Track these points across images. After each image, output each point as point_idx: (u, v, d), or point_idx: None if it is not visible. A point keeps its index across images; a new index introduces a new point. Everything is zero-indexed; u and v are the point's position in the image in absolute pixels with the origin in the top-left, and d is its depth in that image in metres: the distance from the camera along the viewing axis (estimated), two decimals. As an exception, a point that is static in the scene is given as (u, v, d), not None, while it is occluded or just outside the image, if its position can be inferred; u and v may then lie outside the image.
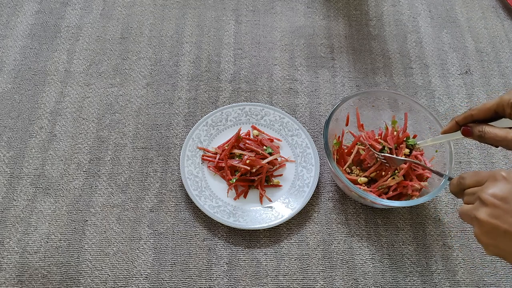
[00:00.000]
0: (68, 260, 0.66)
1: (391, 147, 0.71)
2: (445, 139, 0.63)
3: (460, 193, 0.52)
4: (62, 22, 0.89)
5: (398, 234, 0.71)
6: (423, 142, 0.68)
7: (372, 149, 0.70)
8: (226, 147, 0.74)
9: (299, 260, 0.68)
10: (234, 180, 0.71)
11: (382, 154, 0.68)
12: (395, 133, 0.74)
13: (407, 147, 0.72)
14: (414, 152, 0.73)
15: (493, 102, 0.54)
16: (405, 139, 0.72)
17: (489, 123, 0.55)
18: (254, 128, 0.77)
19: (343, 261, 0.68)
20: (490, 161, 0.78)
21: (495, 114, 0.55)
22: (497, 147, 0.56)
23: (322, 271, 0.68)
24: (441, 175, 0.64)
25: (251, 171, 0.71)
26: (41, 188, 0.72)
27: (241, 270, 0.67)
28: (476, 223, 0.47)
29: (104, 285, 0.65)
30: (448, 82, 0.87)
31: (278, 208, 0.70)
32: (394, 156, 0.68)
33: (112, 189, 0.72)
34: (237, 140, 0.74)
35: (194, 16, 0.92)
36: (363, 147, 0.73)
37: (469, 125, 0.57)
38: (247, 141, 0.75)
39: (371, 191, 0.69)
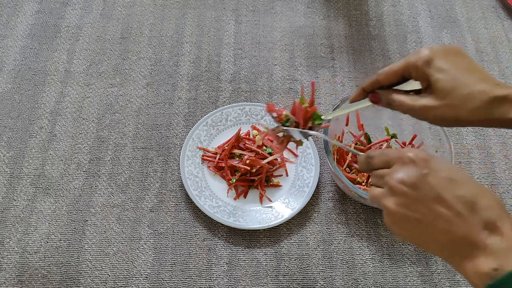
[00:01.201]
0: (68, 260, 0.66)
1: (297, 121, 0.61)
2: (354, 107, 0.56)
3: (369, 172, 0.49)
4: (62, 22, 0.89)
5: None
6: (330, 113, 0.60)
7: (277, 123, 0.60)
8: (226, 147, 0.74)
9: (299, 260, 0.68)
10: (234, 180, 0.71)
11: (285, 127, 0.59)
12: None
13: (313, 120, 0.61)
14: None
15: (399, 65, 0.50)
16: (313, 113, 0.60)
17: (396, 87, 0.52)
18: (254, 128, 0.77)
19: (343, 261, 0.68)
20: (490, 161, 0.78)
21: (402, 78, 0.51)
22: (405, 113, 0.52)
23: (322, 271, 0.68)
24: (358, 154, 0.60)
25: (251, 171, 0.71)
26: (41, 188, 0.72)
27: (241, 270, 0.67)
28: (386, 212, 0.44)
29: (104, 285, 0.65)
30: (448, 82, 0.86)
31: (278, 208, 0.70)
32: (293, 128, 0.59)
33: (112, 189, 0.72)
34: (237, 140, 0.74)
35: (194, 16, 0.92)
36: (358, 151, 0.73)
37: (376, 92, 0.53)
38: (247, 141, 0.75)
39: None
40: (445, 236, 0.41)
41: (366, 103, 0.55)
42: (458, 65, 0.48)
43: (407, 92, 0.51)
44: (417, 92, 0.51)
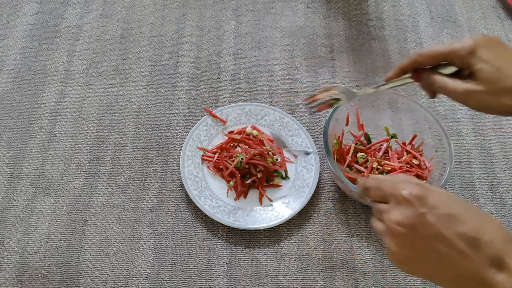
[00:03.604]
0: (68, 260, 0.66)
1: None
2: (393, 84, 0.58)
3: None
4: (62, 22, 0.89)
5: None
6: (363, 90, 0.62)
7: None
8: (219, 152, 0.74)
9: (299, 260, 0.68)
10: (232, 183, 0.71)
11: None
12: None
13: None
14: (413, 153, 0.73)
15: (442, 49, 0.52)
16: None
17: (437, 70, 0.54)
18: (254, 128, 0.77)
19: (343, 261, 0.68)
20: (490, 161, 0.78)
21: (442, 61, 0.53)
22: (434, 97, 0.54)
23: (322, 271, 0.68)
24: (308, 153, 0.63)
25: (245, 166, 0.71)
26: (41, 188, 0.72)
27: (241, 270, 0.67)
28: (387, 251, 0.44)
29: (104, 285, 0.65)
30: (448, 82, 0.87)
31: (278, 208, 0.70)
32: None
33: (112, 189, 0.72)
34: (233, 140, 0.75)
35: (194, 16, 0.92)
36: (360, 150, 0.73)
37: (419, 70, 0.55)
38: (247, 141, 0.75)
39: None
40: (452, 273, 0.41)
41: (405, 80, 0.57)
42: (501, 56, 0.50)
43: (448, 75, 0.53)
44: (453, 75, 0.53)
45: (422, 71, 0.55)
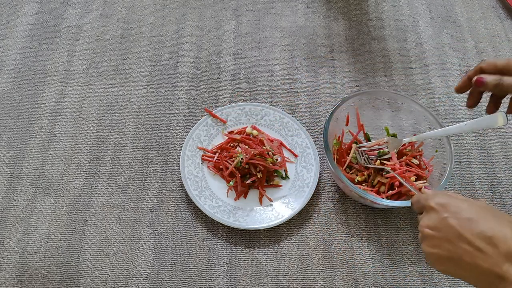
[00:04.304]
0: (68, 260, 0.66)
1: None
2: (483, 126, 0.62)
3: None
4: (62, 22, 0.89)
5: (398, 234, 0.71)
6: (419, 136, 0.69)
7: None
8: (219, 152, 0.74)
9: (299, 260, 0.68)
10: (232, 183, 0.71)
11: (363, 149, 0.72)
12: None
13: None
14: (413, 153, 0.73)
15: (503, 62, 0.57)
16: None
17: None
18: (254, 128, 0.77)
19: (343, 261, 0.68)
20: (490, 161, 0.78)
21: (502, 69, 0.57)
22: (502, 98, 0.59)
23: (322, 271, 0.68)
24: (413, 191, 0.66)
25: (245, 166, 0.71)
26: (41, 188, 0.72)
27: (241, 270, 0.67)
28: (424, 254, 0.51)
29: (104, 285, 0.65)
30: (448, 82, 0.87)
31: (278, 208, 0.70)
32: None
33: (112, 189, 0.72)
34: (233, 140, 0.75)
35: (194, 16, 0.92)
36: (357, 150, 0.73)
37: (481, 75, 0.58)
38: (247, 141, 0.75)
39: (371, 190, 0.69)
40: (475, 270, 0.46)
41: (495, 123, 0.60)
42: None
43: None
44: None
45: (484, 76, 0.58)
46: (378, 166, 0.70)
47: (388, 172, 0.69)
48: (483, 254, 0.45)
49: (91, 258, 0.67)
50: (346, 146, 0.74)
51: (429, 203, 0.51)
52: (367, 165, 0.71)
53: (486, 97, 0.63)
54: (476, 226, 0.46)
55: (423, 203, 0.52)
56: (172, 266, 0.67)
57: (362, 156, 0.72)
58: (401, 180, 0.65)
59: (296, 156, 0.75)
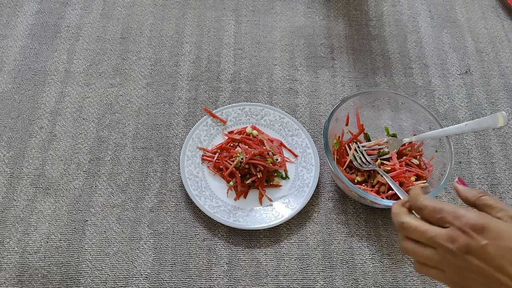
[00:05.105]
0: (68, 260, 0.66)
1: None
2: None
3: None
4: (62, 22, 0.89)
5: (398, 234, 0.71)
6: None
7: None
8: (219, 152, 0.74)
9: (299, 260, 0.68)
10: (232, 183, 0.71)
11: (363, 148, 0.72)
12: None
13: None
14: (413, 153, 0.73)
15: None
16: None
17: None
18: (254, 128, 0.77)
19: (343, 261, 0.68)
20: (490, 161, 0.78)
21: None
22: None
23: (322, 271, 0.68)
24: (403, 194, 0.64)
25: (245, 166, 0.71)
26: (41, 188, 0.72)
27: (241, 270, 0.67)
28: (438, 275, 0.46)
29: (104, 285, 0.65)
30: (448, 82, 0.87)
31: (278, 208, 0.70)
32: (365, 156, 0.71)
33: (112, 189, 0.72)
34: (233, 140, 0.75)
35: (194, 16, 0.92)
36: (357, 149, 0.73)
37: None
38: (247, 141, 0.75)
39: (371, 190, 0.69)
40: None
41: (495, 123, 0.62)
42: None
43: None
44: None
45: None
46: (371, 168, 0.70)
47: (383, 173, 0.69)
48: None
49: (91, 258, 0.67)
50: (345, 145, 0.74)
51: (465, 222, 0.42)
52: (361, 168, 0.71)
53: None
54: None
55: (450, 217, 0.44)
56: (172, 266, 0.67)
57: (356, 160, 0.72)
58: (391, 184, 0.65)
59: (296, 156, 0.75)
